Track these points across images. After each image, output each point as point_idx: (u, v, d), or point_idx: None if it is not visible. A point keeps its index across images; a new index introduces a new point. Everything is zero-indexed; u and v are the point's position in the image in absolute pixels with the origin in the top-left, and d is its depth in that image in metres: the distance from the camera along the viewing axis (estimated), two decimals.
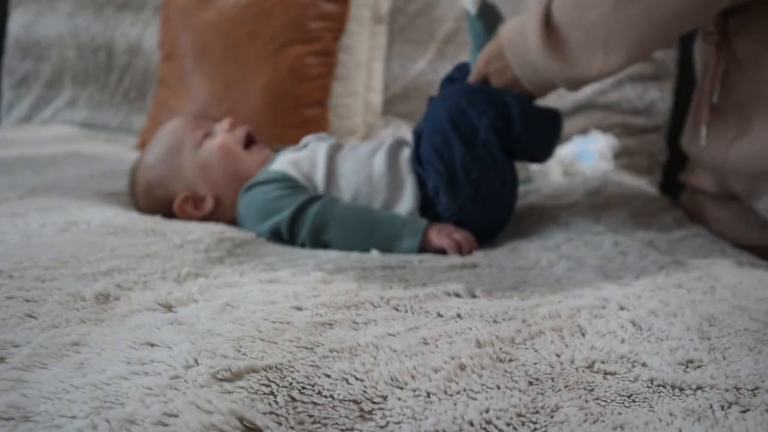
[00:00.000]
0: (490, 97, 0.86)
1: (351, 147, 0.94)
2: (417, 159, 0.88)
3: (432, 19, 1.57)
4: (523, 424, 0.39)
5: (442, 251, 0.81)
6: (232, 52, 1.44)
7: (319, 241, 0.82)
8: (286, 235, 0.83)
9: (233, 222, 0.91)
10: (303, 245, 0.83)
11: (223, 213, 0.92)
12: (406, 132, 1.43)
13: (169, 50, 1.53)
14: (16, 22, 1.82)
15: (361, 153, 0.91)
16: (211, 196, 0.92)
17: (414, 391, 0.42)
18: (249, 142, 0.97)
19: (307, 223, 0.82)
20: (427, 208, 0.87)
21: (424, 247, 0.81)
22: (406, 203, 0.87)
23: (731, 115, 0.85)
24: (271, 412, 0.39)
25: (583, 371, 0.46)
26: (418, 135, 0.89)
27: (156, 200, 0.94)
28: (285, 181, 0.87)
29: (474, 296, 0.62)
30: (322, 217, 0.82)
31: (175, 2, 1.53)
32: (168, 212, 0.92)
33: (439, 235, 0.82)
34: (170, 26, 1.54)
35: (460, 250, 0.81)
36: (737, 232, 0.91)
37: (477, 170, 0.85)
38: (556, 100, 1.39)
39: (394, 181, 0.88)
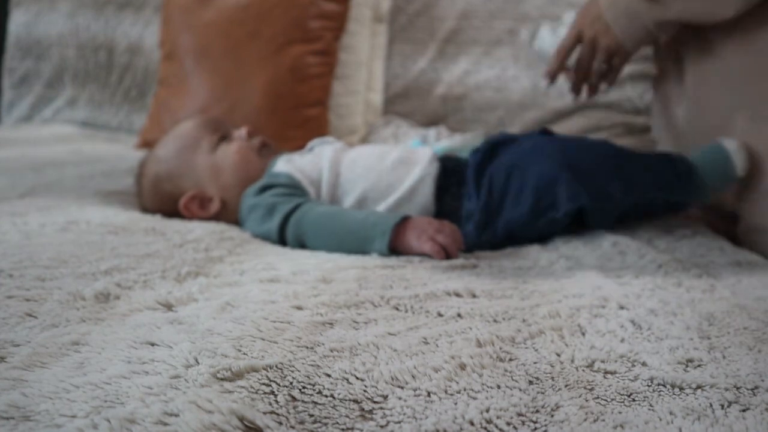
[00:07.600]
0: (588, 185, 0.80)
1: (357, 152, 0.93)
2: (478, 167, 0.86)
3: (433, 18, 1.57)
4: (523, 423, 0.40)
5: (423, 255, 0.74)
6: (232, 52, 1.44)
7: (306, 248, 0.81)
8: (279, 243, 0.83)
9: (236, 224, 0.91)
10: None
11: (227, 216, 0.92)
12: (406, 131, 1.43)
13: (169, 50, 1.53)
14: (16, 22, 1.81)
15: (370, 156, 0.90)
16: (218, 198, 0.93)
17: (414, 390, 0.42)
18: (262, 148, 0.97)
19: (290, 234, 0.81)
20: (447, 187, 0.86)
21: (399, 249, 0.75)
22: (421, 165, 0.87)
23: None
24: (272, 412, 0.39)
25: (583, 370, 0.47)
26: (491, 144, 0.88)
27: (161, 194, 0.94)
28: (281, 186, 0.87)
29: (474, 296, 0.62)
30: (299, 227, 0.81)
31: (176, 2, 1.53)
32: (171, 209, 0.92)
33: (419, 238, 0.74)
34: (171, 26, 1.53)
35: (448, 255, 0.74)
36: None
37: (521, 231, 0.83)
38: (557, 99, 1.39)
39: (404, 164, 0.88)
